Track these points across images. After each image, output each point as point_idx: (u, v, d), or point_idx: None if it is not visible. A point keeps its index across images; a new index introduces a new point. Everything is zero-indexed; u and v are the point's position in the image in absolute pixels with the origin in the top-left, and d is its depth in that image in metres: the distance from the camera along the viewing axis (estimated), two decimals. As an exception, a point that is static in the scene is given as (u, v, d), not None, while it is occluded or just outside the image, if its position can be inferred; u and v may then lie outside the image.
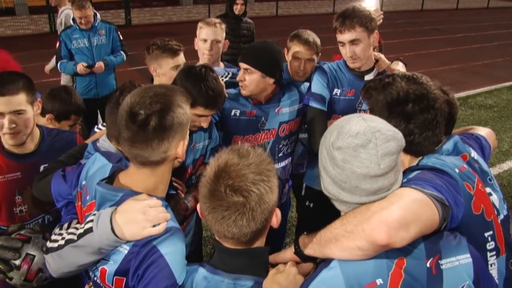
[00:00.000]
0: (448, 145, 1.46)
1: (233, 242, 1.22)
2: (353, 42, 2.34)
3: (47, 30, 12.57)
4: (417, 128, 1.38)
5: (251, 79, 2.34)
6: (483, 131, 1.86)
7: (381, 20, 2.69)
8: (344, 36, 2.34)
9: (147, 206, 1.27)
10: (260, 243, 1.26)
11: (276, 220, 1.24)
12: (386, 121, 1.35)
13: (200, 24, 2.84)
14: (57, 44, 4.60)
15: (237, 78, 2.39)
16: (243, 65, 2.35)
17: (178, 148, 1.36)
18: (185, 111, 1.35)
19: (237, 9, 5.22)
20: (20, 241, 1.67)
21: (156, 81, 2.56)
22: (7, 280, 1.68)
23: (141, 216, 1.25)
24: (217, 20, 2.85)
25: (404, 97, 1.39)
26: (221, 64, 2.94)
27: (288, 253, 1.39)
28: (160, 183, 1.40)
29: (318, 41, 2.73)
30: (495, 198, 1.48)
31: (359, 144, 1.14)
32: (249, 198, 1.14)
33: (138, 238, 1.25)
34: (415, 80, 1.44)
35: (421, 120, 1.38)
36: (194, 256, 2.54)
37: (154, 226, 1.26)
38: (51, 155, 1.98)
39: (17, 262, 1.65)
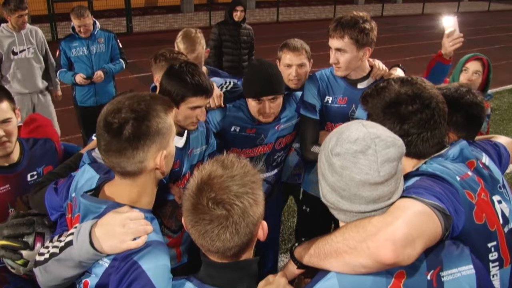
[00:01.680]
0: (453, 151, 1.42)
1: (218, 256, 1.18)
2: (339, 50, 2.33)
3: (49, 38, 12.62)
4: (412, 129, 1.36)
5: (278, 105, 2.37)
6: (503, 140, 1.83)
7: (461, 43, 2.41)
8: (333, 42, 2.33)
9: (127, 218, 1.23)
10: (247, 255, 1.22)
11: (262, 233, 1.21)
12: (381, 124, 1.33)
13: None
14: (57, 53, 4.62)
15: (266, 111, 2.34)
16: (268, 97, 2.30)
17: (157, 158, 1.31)
18: (163, 120, 1.31)
19: (237, 15, 5.28)
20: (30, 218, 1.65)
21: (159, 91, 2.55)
22: (21, 268, 1.62)
23: (121, 229, 1.21)
24: (193, 32, 2.92)
25: (396, 98, 1.38)
26: (204, 68, 2.94)
27: (291, 267, 1.37)
28: (143, 194, 1.36)
29: (307, 47, 2.74)
30: (504, 207, 1.43)
31: (358, 150, 1.12)
32: (232, 211, 1.10)
33: (117, 252, 1.22)
34: (409, 81, 1.42)
35: (416, 120, 1.35)
36: (193, 262, 2.50)
37: (135, 239, 1.23)
38: (35, 162, 1.98)
39: (30, 240, 1.62)
